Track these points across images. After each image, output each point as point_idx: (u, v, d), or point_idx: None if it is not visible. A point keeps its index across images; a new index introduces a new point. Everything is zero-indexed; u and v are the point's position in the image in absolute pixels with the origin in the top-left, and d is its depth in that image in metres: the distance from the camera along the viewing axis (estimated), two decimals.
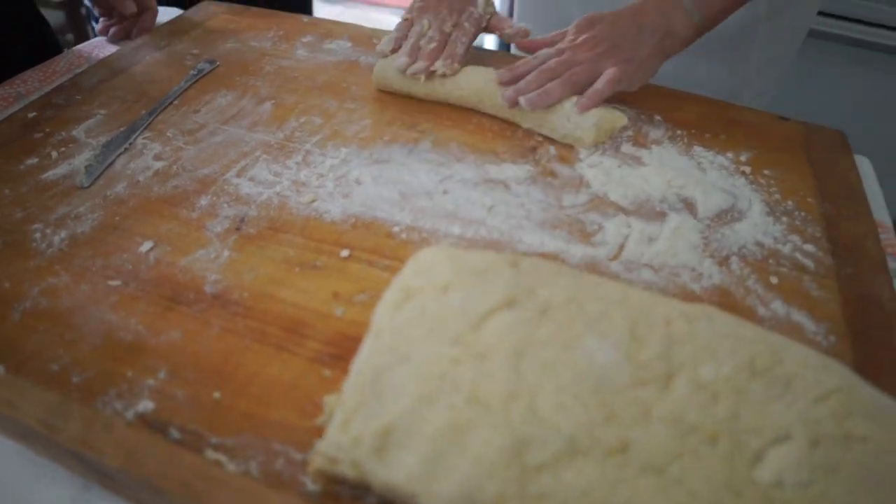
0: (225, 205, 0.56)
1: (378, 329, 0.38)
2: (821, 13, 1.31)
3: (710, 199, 0.58)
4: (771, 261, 0.53)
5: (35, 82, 0.75)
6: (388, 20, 2.85)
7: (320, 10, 2.92)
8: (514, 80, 0.66)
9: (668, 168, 0.61)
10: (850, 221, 0.57)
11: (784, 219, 0.57)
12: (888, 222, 0.61)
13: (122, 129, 0.65)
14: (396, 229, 0.54)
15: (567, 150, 0.63)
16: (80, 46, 0.82)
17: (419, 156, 0.61)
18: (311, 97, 0.70)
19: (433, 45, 0.69)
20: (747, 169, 0.62)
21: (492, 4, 0.75)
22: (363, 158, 0.61)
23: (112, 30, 0.83)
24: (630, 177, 0.60)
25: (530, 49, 0.71)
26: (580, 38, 0.66)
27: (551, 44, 0.70)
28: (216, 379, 0.43)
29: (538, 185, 0.59)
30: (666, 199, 0.58)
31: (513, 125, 0.67)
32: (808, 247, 0.54)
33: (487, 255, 0.41)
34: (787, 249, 0.54)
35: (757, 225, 0.56)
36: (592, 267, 0.51)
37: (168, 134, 0.65)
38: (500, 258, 0.41)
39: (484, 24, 0.74)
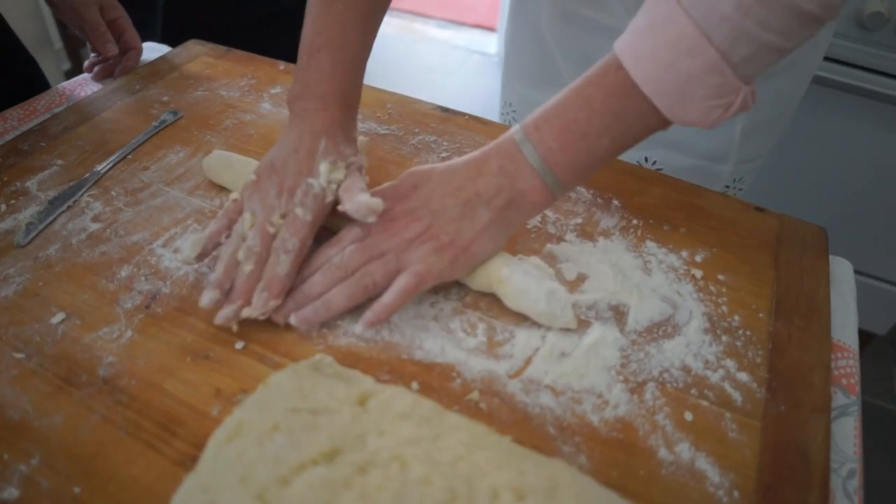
0: (143, 278, 0.56)
1: (201, 464, 0.36)
2: (826, 58, 1.18)
3: (644, 309, 0.53)
4: (693, 391, 0.48)
5: (14, 120, 0.77)
6: (431, 33, 2.83)
7: None
8: (300, 281, 0.52)
9: (608, 268, 0.56)
10: (800, 346, 0.52)
11: (724, 338, 0.52)
12: (853, 345, 0.55)
13: (71, 183, 0.66)
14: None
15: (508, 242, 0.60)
16: (64, 84, 0.84)
17: None
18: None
19: (249, 266, 0.51)
20: (699, 273, 0.57)
21: (342, 168, 0.55)
22: None
23: (96, 68, 0.84)
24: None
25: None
26: (395, 210, 0.52)
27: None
28: (82, 472, 0.43)
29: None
30: (595, 305, 0.54)
31: None
32: (742, 375, 0.49)
33: (337, 389, 0.38)
34: (716, 377, 0.49)
35: (690, 344, 0.51)
36: (488, 384, 0.47)
37: (112, 193, 0.65)
38: (352, 392, 0.38)
39: (330, 198, 0.54)
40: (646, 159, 0.78)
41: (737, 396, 0.48)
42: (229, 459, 0.35)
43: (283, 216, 0.53)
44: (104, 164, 0.68)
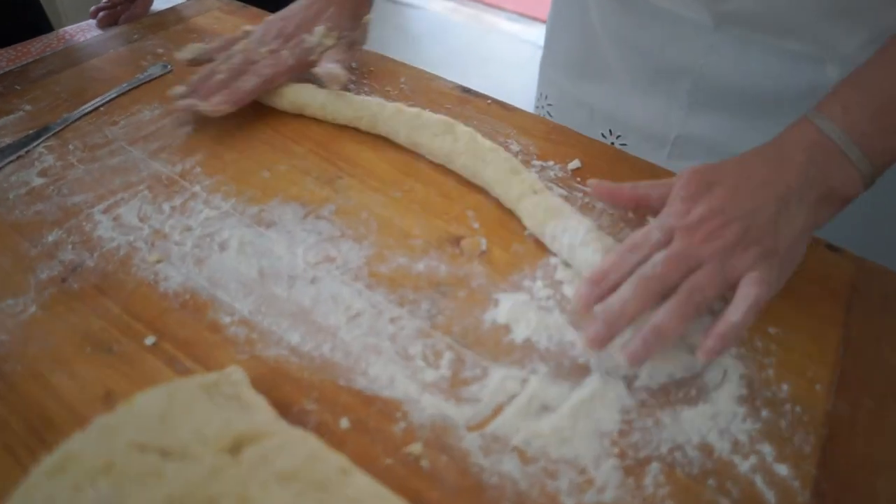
0: (70, 246, 0.48)
1: (21, 494, 0.27)
2: None
3: (663, 360, 0.41)
4: (711, 481, 0.36)
5: (3, 61, 0.71)
6: (501, 25, 2.71)
7: (435, 5, 2.85)
8: (601, 296, 0.41)
9: None
10: (867, 437, 0.38)
11: (764, 412, 0.39)
12: None
13: (30, 132, 0.58)
14: (227, 320, 0.43)
15: (503, 251, 0.48)
16: (67, 28, 0.78)
17: (313, 224, 0.49)
18: None
19: (221, 75, 0.58)
20: None
21: (333, 37, 0.62)
22: (246, 216, 0.50)
23: (101, 14, 0.77)
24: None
25: (608, 197, 0.49)
26: (695, 212, 0.42)
27: (638, 199, 0.48)
28: None
29: (438, 292, 0.45)
30: None
31: (474, 191, 0.53)
32: (781, 468, 0.36)
33: (213, 423, 0.28)
34: (745, 466, 0.36)
35: (717, 416, 0.39)
36: (439, 434, 0.37)
37: (70, 146, 0.57)
38: (228, 431, 0.28)
39: (314, 57, 0.61)
40: None
41: (770, 497, 0.35)
42: (41, 499, 0.26)
43: (271, 52, 0.60)
44: (72, 114, 0.60)
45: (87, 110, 0.61)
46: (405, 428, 0.37)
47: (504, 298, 0.44)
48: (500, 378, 0.39)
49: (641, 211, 0.51)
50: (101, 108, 0.62)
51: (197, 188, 0.53)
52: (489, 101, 0.64)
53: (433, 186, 0.53)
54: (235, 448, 0.28)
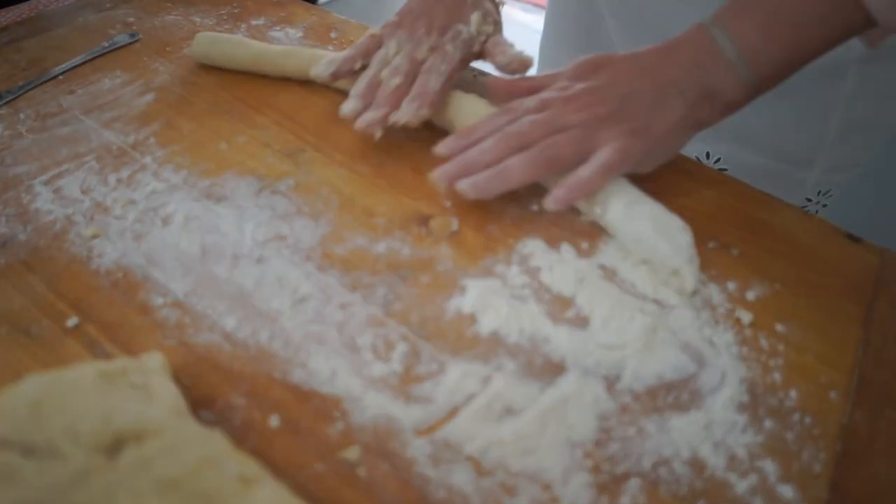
0: (4, 219, 0.44)
1: None
2: None
3: (651, 359, 0.36)
4: (702, 502, 0.30)
5: None
6: (515, 15, 2.65)
7: None
8: (464, 147, 0.44)
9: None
10: (889, 455, 0.33)
11: (768, 422, 0.33)
12: None
13: None
14: (159, 301, 0.38)
15: (477, 232, 0.43)
16: None
17: (267, 199, 0.45)
18: None
19: (397, 80, 0.49)
20: (747, 316, 0.38)
21: (491, 22, 0.53)
22: (197, 189, 0.45)
23: None
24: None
25: (506, 92, 0.49)
26: (575, 87, 0.45)
27: (534, 89, 0.47)
28: None
29: (397, 276, 0.40)
30: None
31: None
32: (786, 490, 0.31)
33: (90, 417, 0.23)
34: (743, 486, 0.31)
35: (712, 425, 0.33)
36: (382, 438, 0.31)
37: (21, 115, 0.53)
38: (108, 428, 0.23)
39: (476, 48, 0.53)
40: (707, 155, 0.59)
41: None
42: None
43: (433, 49, 0.51)
44: (28, 82, 0.56)
45: (43, 79, 0.57)
46: (343, 429, 0.32)
47: (472, 285, 0.39)
48: (458, 375, 0.34)
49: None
50: (60, 77, 0.58)
51: (148, 159, 0.48)
52: (474, 74, 0.58)
53: (406, 161, 0.48)
54: (114, 447, 0.24)
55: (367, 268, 0.40)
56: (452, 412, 0.33)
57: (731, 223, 0.45)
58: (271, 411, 0.33)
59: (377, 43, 0.53)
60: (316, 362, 0.35)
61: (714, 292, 0.40)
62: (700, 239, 0.42)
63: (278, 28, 0.64)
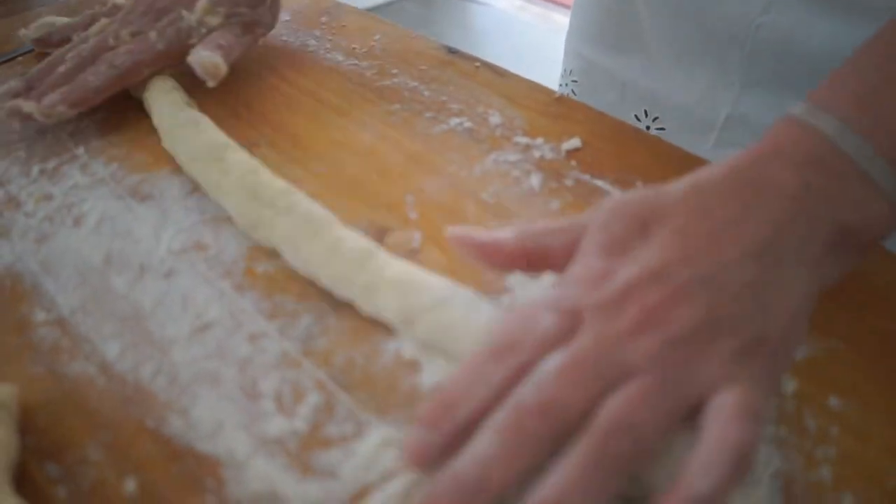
0: None
1: None
2: None
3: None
4: None
5: None
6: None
7: (502, 2, 2.71)
8: (446, 444, 0.22)
9: None
10: None
11: None
12: None
13: None
14: (41, 318, 0.31)
15: (441, 250, 0.35)
16: None
17: (197, 201, 0.37)
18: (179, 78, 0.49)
19: (65, 67, 0.43)
20: (790, 384, 0.28)
21: (220, 14, 0.45)
22: (122, 186, 0.39)
23: None
24: None
25: (465, 252, 0.29)
26: (616, 278, 0.24)
27: (527, 257, 0.28)
28: None
29: (330, 303, 0.32)
30: None
31: (423, 170, 0.39)
32: None
33: None
34: None
35: None
36: None
37: None
38: None
39: (194, 40, 0.44)
40: None
41: None
42: None
43: (135, 34, 0.44)
44: None
45: None
46: None
47: None
48: (377, 443, 0.26)
49: (536, 273, 0.30)
50: (20, 59, 0.53)
51: (80, 150, 0.42)
52: (477, 65, 0.50)
53: (372, 162, 0.40)
54: None
55: (295, 291, 0.32)
56: (358, 495, 0.24)
57: None
58: (130, 472, 0.25)
59: (108, 14, 0.48)
60: (200, 410, 0.27)
61: None
62: None
63: None
